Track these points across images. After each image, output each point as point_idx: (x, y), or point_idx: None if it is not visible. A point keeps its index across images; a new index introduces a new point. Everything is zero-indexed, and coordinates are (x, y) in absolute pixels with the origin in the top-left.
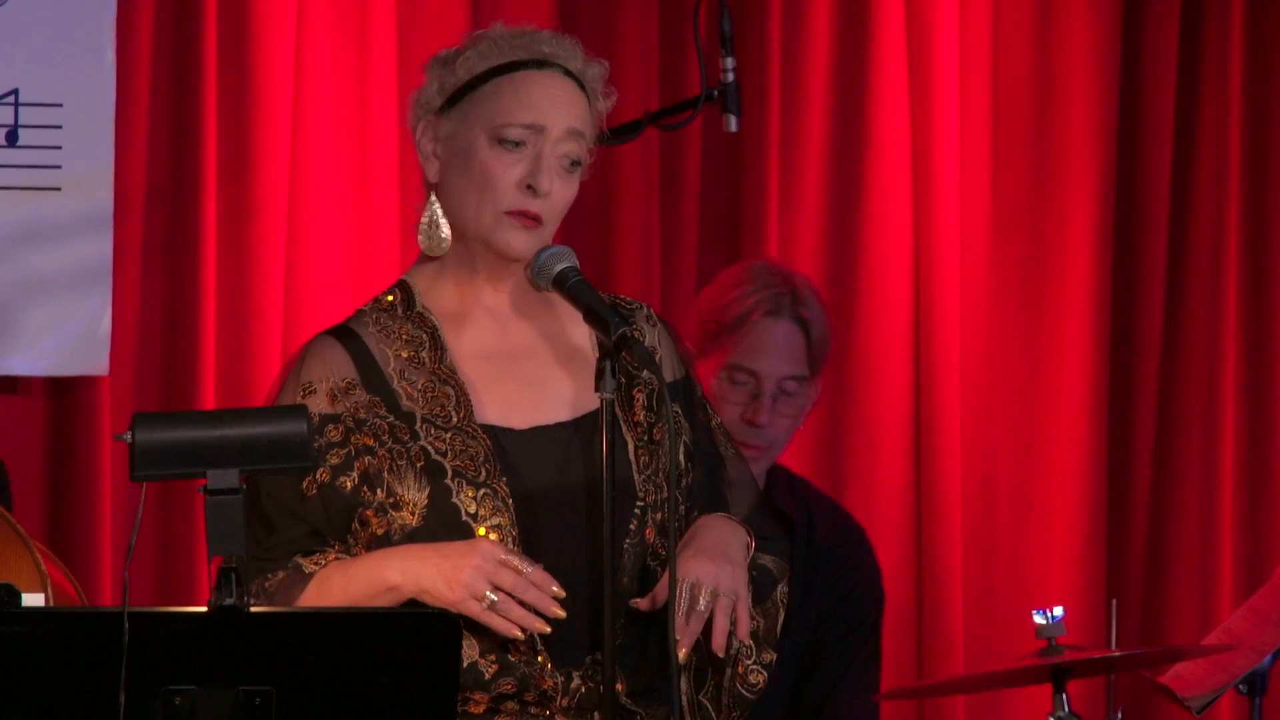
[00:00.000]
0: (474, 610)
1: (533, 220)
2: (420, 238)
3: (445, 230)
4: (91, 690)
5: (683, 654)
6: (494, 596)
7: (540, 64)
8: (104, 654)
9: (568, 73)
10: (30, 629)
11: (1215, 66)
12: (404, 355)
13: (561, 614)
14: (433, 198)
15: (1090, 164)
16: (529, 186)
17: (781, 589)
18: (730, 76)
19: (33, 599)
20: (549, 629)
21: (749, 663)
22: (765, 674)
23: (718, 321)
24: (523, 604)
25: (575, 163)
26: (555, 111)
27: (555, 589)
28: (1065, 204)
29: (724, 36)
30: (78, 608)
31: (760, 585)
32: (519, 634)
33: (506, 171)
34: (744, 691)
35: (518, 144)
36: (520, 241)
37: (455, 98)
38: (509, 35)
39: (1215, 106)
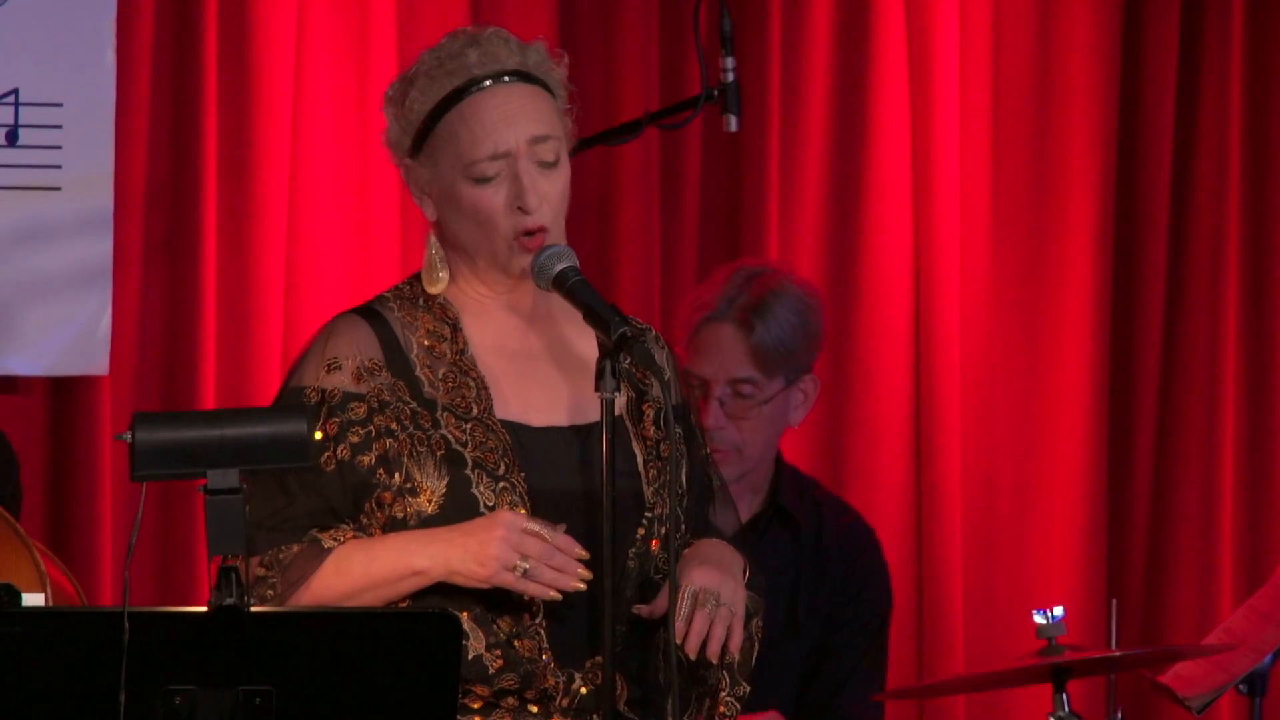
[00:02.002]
0: (509, 581)
1: (537, 237)
2: (424, 272)
3: (443, 272)
4: (91, 690)
5: (693, 652)
6: (525, 565)
7: (475, 84)
8: (104, 654)
9: (506, 74)
10: (30, 629)
11: (1215, 66)
12: (425, 344)
13: (589, 575)
14: (433, 237)
15: (1090, 164)
16: (519, 208)
17: (757, 622)
18: (730, 76)
19: (32, 599)
20: (584, 586)
21: (724, 695)
22: (739, 706)
23: (683, 328)
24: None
25: (551, 163)
26: (511, 130)
27: (579, 551)
28: (1065, 204)
29: (724, 36)
30: (78, 607)
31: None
32: (557, 596)
33: (494, 201)
34: None
35: (492, 177)
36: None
37: (418, 143)
38: (439, 63)
39: (1215, 106)
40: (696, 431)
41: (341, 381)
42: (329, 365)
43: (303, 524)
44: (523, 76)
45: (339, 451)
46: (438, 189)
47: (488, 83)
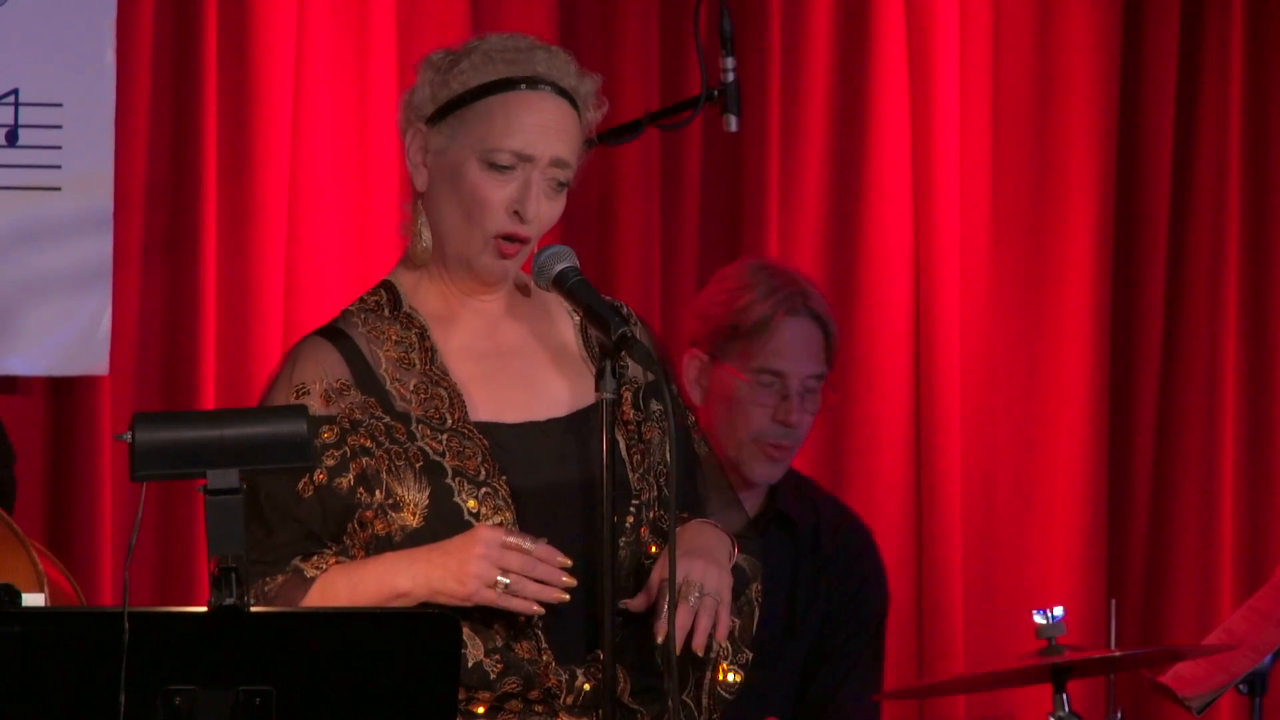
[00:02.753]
0: (490, 598)
1: (517, 245)
2: (410, 235)
3: (426, 240)
4: (91, 690)
5: (676, 648)
6: (506, 580)
7: (532, 83)
8: (104, 654)
9: (560, 90)
10: (30, 629)
11: (1215, 66)
12: (394, 356)
13: (573, 582)
14: (419, 205)
15: (1090, 163)
16: (516, 212)
17: (756, 587)
18: (730, 76)
19: (31, 599)
20: (567, 597)
21: (727, 664)
22: (743, 673)
23: (736, 325)
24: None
25: (562, 184)
26: (544, 141)
27: (562, 560)
28: (1065, 203)
29: (724, 36)
30: (78, 607)
31: (734, 584)
32: (539, 610)
33: (495, 194)
34: (723, 692)
35: (507, 168)
36: (500, 269)
37: (446, 110)
38: (503, 49)
39: (1215, 106)
40: (677, 400)
41: (311, 407)
42: (297, 392)
43: (284, 554)
44: (572, 101)
45: (316, 477)
46: (444, 161)
47: (546, 87)
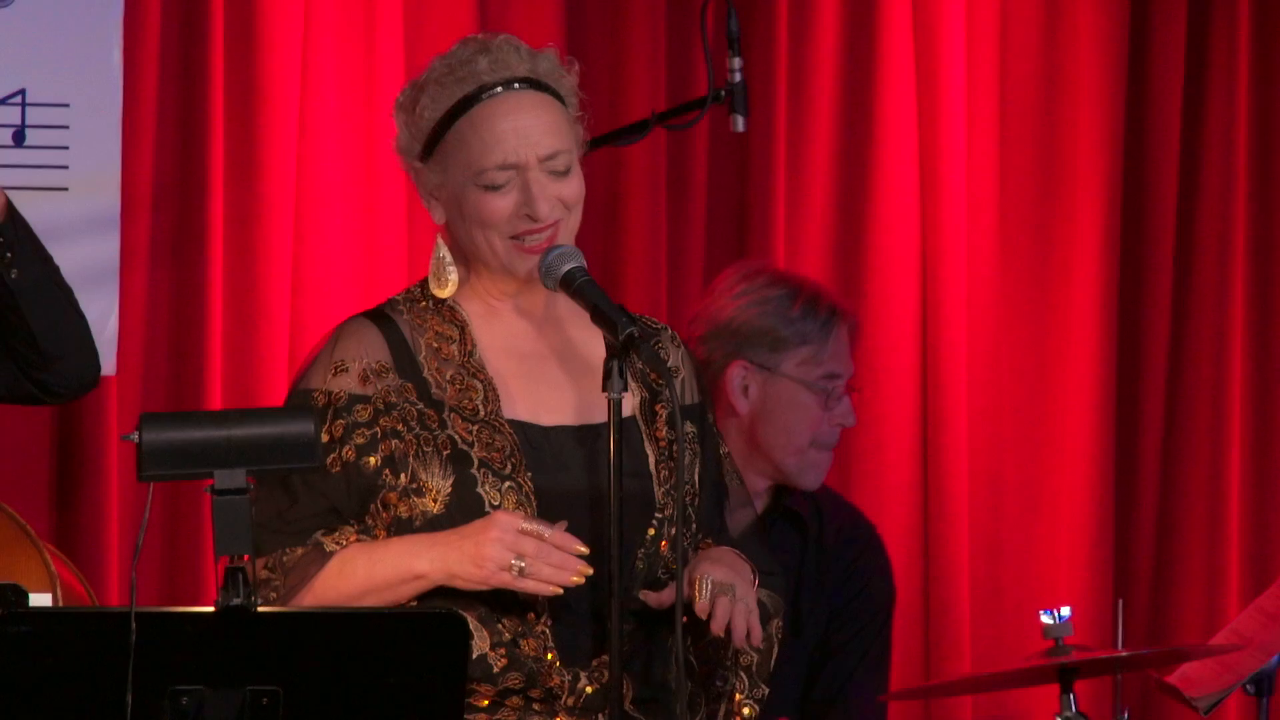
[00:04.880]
0: (505, 580)
1: (541, 244)
2: (430, 276)
3: (452, 274)
4: (99, 690)
5: (719, 629)
6: (521, 563)
7: (487, 90)
8: (111, 654)
9: (519, 82)
10: (38, 629)
11: (1222, 66)
12: (434, 345)
13: (589, 570)
14: (440, 240)
15: (1097, 163)
16: (526, 214)
17: (777, 623)
18: (737, 77)
19: (41, 599)
20: (582, 580)
21: (742, 697)
22: (758, 708)
23: (800, 334)
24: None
25: (562, 173)
26: (524, 144)
27: (578, 547)
28: (1072, 204)
29: (731, 37)
30: (85, 608)
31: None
32: (557, 590)
33: (501, 207)
34: None
35: (502, 185)
36: (531, 266)
37: (428, 147)
38: (449, 69)
39: (1222, 105)
40: (713, 430)
41: (348, 384)
42: (336, 368)
43: (306, 526)
44: (533, 84)
45: (344, 453)
46: (447, 193)
47: (499, 90)
